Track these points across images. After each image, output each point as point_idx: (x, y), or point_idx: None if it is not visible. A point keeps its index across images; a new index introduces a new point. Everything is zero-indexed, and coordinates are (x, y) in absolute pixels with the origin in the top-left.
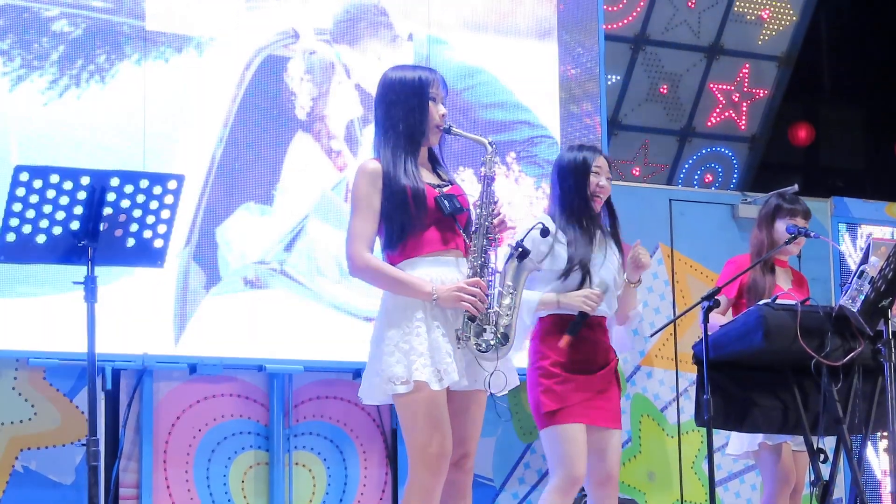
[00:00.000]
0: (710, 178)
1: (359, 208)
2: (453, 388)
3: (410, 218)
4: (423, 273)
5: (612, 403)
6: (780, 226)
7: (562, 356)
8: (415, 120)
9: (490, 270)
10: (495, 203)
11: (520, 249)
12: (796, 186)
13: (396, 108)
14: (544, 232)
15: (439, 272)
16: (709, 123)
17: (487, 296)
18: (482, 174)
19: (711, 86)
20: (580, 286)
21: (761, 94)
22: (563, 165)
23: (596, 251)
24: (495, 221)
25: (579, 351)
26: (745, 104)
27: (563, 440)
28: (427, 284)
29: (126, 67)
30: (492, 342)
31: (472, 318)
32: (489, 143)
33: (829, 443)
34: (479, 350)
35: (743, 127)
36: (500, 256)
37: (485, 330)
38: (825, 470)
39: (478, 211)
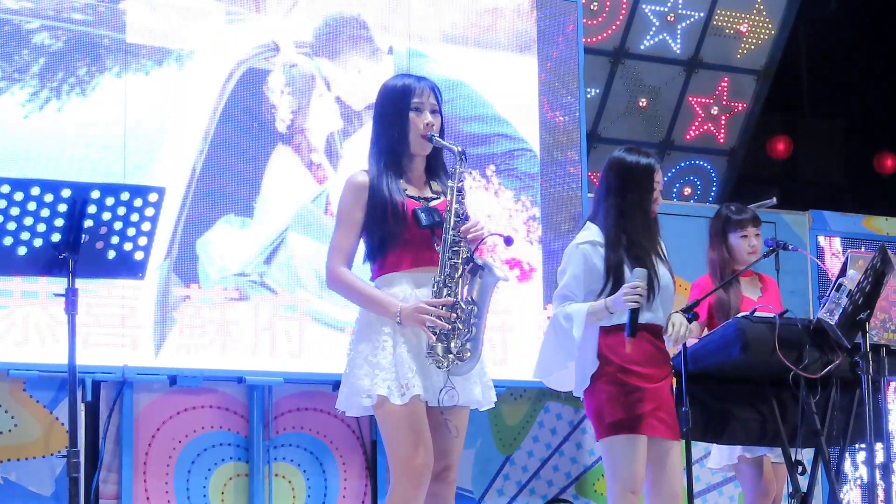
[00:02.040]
0: (689, 191)
1: (340, 222)
2: (433, 403)
3: (389, 232)
4: (400, 290)
5: (672, 416)
6: (733, 239)
7: (624, 363)
8: (394, 132)
9: (456, 285)
10: (462, 216)
11: (471, 264)
12: (774, 199)
13: (381, 120)
14: (508, 241)
15: (415, 292)
16: (687, 136)
17: (458, 311)
18: (449, 186)
19: (690, 99)
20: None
21: (740, 108)
22: (626, 167)
23: (652, 255)
24: (463, 229)
25: (644, 360)
26: (723, 117)
27: (623, 451)
28: (394, 305)
29: (107, 80)
30: (455, 358)
31: (434, 334)
32: (459, 151)
33: (807, 455)
34: (438, 367)
35: (721, 140)
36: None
37: (450, 346)
38: (803, 482)
39: (444, 225)
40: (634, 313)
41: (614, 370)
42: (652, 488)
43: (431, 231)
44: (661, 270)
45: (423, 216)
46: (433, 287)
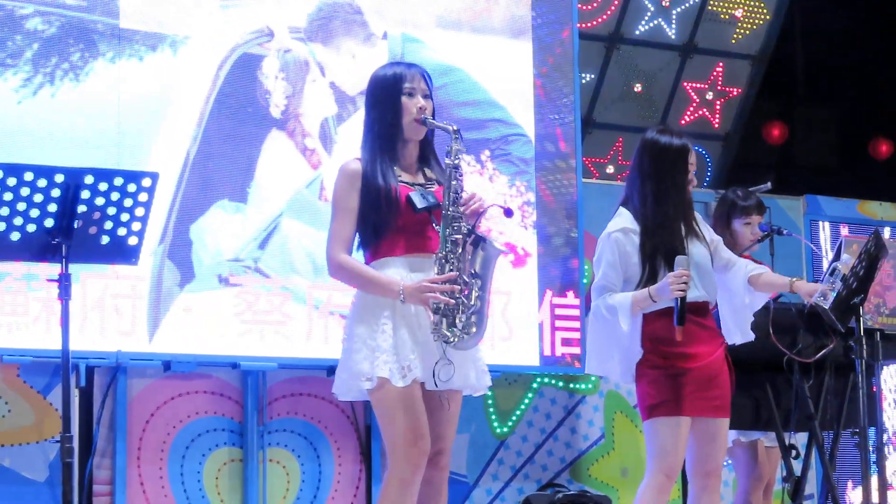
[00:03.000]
0: None
1: (337, 209)
2: (429, 386)
3: (382, 219)
4: (396, 273)
5: (722, 391)
6: (737, 225)
7: (667, 346)
8: (388, 118)
9: (458, 260)
10: (460, 192)
11: (473, 236)
12: (769, 184)
13: (374, 107)
14: (507, 212)
15: (410, 276)
16: (682, 122)
17: (461, 285)
18: (445, 164)
19: (685, 84)
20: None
21: (735, 93)
22: (660, 148)
23: (689, 238)
24: (466, 211)
25: (688, 340)
26: (718, 102)
27: (664, 434)
28: (396, 284)
29: (100, 65)
30: (462, 332)
31: (436, 311)
32: (453, 130)
33: (801, 439)
34: (446, 342)
35: (716, 125)
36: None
37: (455, 321)
38: (797, 466)
39: (443, 202)
40: (682, 302)
41: (657, 355)
42: (694, 463)
43: (429, 213)
44: (699, 249)
45: (417, 200)
46: (435, 264)
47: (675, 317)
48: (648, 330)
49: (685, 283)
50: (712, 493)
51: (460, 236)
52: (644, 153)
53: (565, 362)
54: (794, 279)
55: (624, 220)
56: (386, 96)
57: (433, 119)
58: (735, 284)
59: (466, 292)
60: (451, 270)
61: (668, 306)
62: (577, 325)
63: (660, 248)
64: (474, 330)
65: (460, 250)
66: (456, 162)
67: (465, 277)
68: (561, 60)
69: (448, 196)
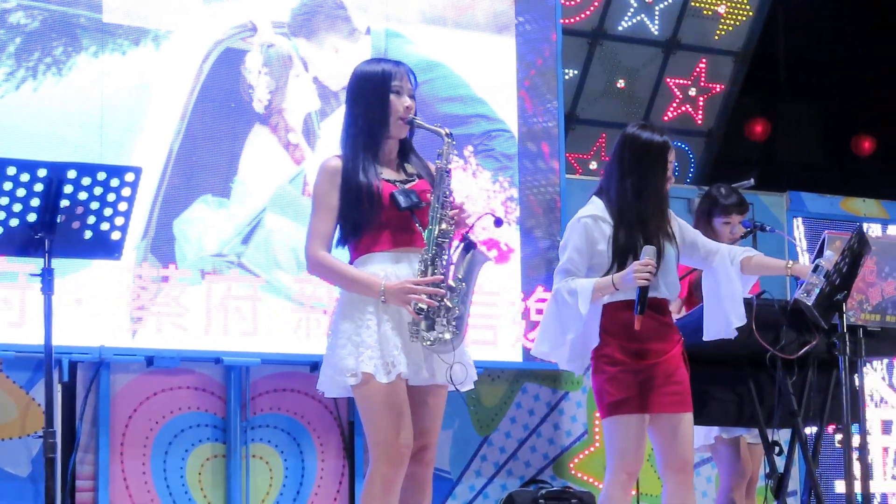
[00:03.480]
0: None
1: (317, 206)
2: (413, 382)
3: (364, 215)
4: (378, 269)
5: (681, 387)
6: (717, 224)
7: (626, 342)
8: (375, 115)
9: (444, 263)
10: (449, 196)
11: (465, 241)
12: (752, 180)
13: (358, 103)
14: (498, 222)
15: (394, 269)
16: (665, 118)
17: (446, 289)
18: (437, 166)
19: (668, 80)
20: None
21: (718, 89)
22: (640, 144)
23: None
24: (451, 214)
25: (643, 337)
26: (701, 99)
27: (622, 432)
28: (377, 284)
29: (83, 60)
30: (441, 336)
31: (419, 311)
32: (446, 133)
33: (784, 435)
34: (428, 345)
35: (699, 121)
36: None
37: (435, 324)
38: (780, 462)
39: (432, 204)
40: (644, 291)
41: (615, 349)
42: (664, 460)
43: (411, 212)
44: (668, 248)
45: (401, 199)
46: (420, 265)
47: (636, 305)
48: (607, 321)
49: (650, 272)
50: (684, 486)
51: (447, 240)
52: (625, 148)
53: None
54: (790, 262)
55: (595, 208)
56: (374, 93)
57: (419, 119)
58: (723, 270)
59: (449, 296)
60: (436, 273)
61: (631, 299)
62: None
63: (633, 243)
64: (454, 334)
65: (446, 254)
66: (448, 166)
67: (450, 282)
68: (544, 56)
69: (438, 198)
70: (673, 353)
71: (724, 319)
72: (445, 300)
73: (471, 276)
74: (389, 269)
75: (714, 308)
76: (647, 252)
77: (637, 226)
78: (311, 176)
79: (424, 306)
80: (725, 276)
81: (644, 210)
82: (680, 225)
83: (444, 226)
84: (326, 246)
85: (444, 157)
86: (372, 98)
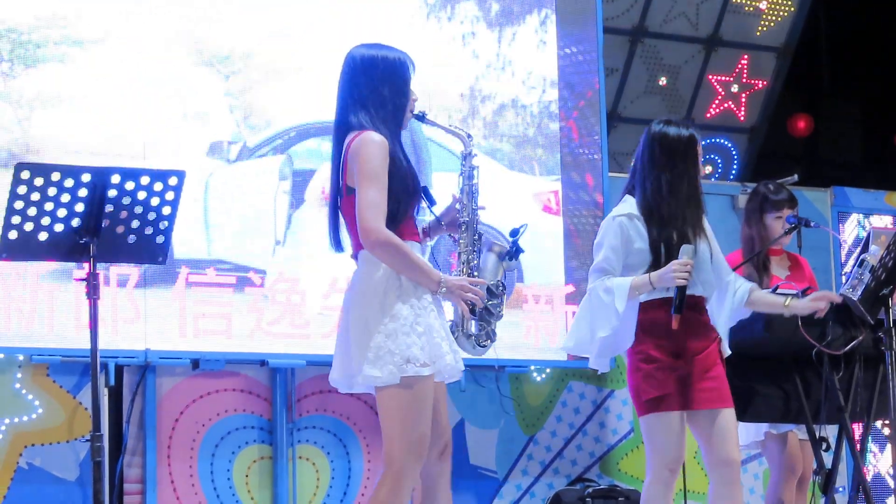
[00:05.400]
0: (710, 169)
1: (374, 179)
2: (439, 378)
3: (407, 201)
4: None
5: (719, 382)
6: (769, 219)
7: (662, 340)
8: (401, 102)
9: (476, 266)
10: (478, 197)
11: (515, 248)
12: (796, 176)
13: (384, 86)
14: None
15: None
16: (708, 115)
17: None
18: (462, 167)
19: (710, 77)
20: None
21: (760, 85)
22: (670, 140)
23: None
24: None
25: (679, 334)
26: (743, 95)
27: (661, 429)
28: (436, 274)
29: None
30: (480, 338)
31: (472, 311)
32: (467, 135)
33: (831, 431)
34: (480, 345)
35: (742, 118)
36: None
37: (484, 328)
38: (827, 458)
39: (464, 206)
40: (682, 290)
41: (650, 347)
42: (707, 457)
43: (429, 209)
44: (702, 246)
45: (430, 195)
46: (461, 267)
47: (674, 305)
48: (643, 319)
49: (688, 272)
50: (730, 484)
51: (479, 243)
52: (653, 145)
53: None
54: (788, 300)
55: (629, 207)
56: (399, 79)
57: (429, 117)
58: (725, 300)
59: (495, 301)
60: (473, 276)
61: (667, 297)
62: None
63: (669, 239)
64: (494, 339)
65: (476, 258)
66: (473, 167)
67: (494, 288)
68: (585, 54)
69: (473, 201)
70: (710, 350)
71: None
72: (490, 306)
73: (504, 281)
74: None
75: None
76: (686, 251)
77: (672, 222)
78: None
79: (478, 308)
80: (723, 305)
81: (679, 205)
82: (707, 234)
83: (474, 227)
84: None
85: (469, 159)
86: (398, 84)
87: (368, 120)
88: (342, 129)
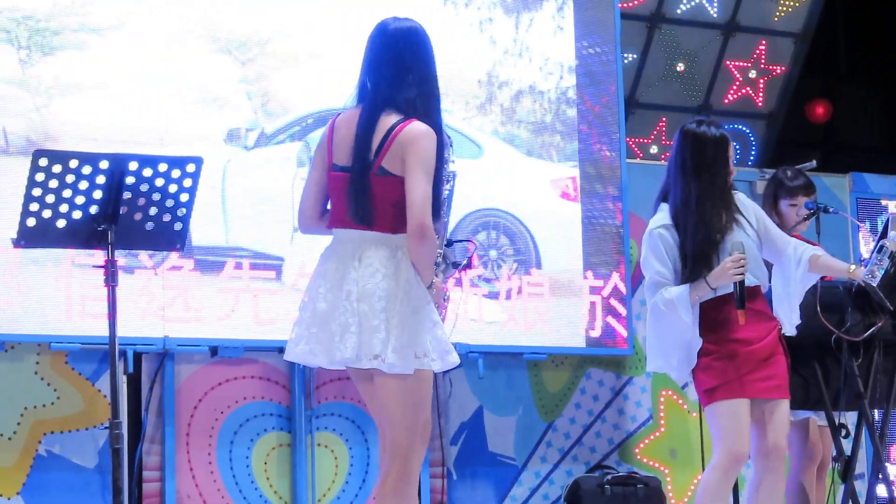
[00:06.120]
0: None
1: (427, 172)
2: None
3: (438, 199)
4: None
5: (778, 372)
6: (783, 206)
7: (718, 334)
8: (437, 93)
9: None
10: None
11: (467, 262)
12: (814, 162)
13: (431, 70)
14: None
15: None
16: (726, 100)
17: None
18: (448, 170)
19: (728, 63)
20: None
21: (778, 71)
22: (701, 143)
23: (731, 230)
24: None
25: (736, 327)
26: (761, 81)
27: (723, 416)
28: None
29: None
30: None
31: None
32: (448, 140)
33: (850, 418)
34: None
35: (760, 104)
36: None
37: None
38: (847, 445)
39: (447, 211)
40: (741, 285)
41: (706, 340)
42: (756, 445)
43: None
44: (744, 237)
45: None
46: (438, 271)
47: (737, 301)
48: (703, 319)
49: (742, 265)
50: (774, 472)
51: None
52: (685, 147)
53: (611, 344)
54: (853, 266)
55: (665, 217)
56: (434, 66)
57: None
58: (789, 271)
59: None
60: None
61: (719, 295)
62: (623, 306)
63: (701, 245)
64: None
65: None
66: (453, 172)
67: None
68: (602, 40)
69: (446, 204)
70: (768, 339)
71: (784, 320)
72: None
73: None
74: None
75: (777, 306)
76: (736, 247)
77: (700, 229)
78: None
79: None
80: (789, 278)
81: (709, 209)
82: (757, 215)
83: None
84: None
85: (450, 159)
86: (434, 74)
87: (425, 106)
88: (381, 104)
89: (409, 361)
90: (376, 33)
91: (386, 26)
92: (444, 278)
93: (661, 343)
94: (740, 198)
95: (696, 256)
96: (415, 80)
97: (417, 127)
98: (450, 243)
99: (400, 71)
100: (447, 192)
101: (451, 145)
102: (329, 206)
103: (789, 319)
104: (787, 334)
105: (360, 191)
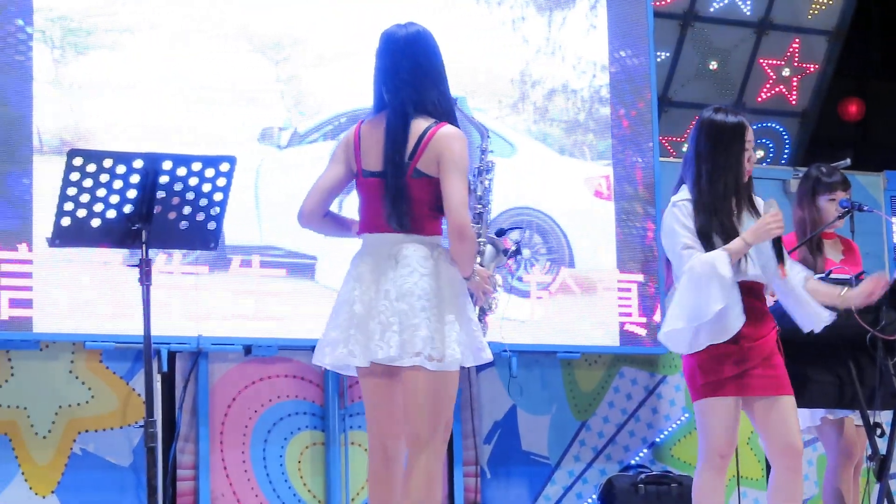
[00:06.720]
0: (762, 154)
1: (463, 175)
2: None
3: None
4: None
5: (777, 370)
6: (822, 202)
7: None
8: (450, 91)
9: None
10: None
11: (517, 248)
12: (849, 161)
13: (444, 76)
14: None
15: None
16: (759, 99)
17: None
18: (481, 161)
19: (761, 61)
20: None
21: (811, 69)
22: (715, 128)
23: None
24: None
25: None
26: (795, 79)
27: (714, 414)
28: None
29: None
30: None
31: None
32: (486, 130)
33: (885, 417)
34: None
35: (794, 102)
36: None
37: (479, 316)
38: (882, 444)
39: (480, 201)
40: (779, 241)
41: None
42: (768, 446)
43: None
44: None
45: None
46: (485, 260)
47: (778, 257)
48: None
49: (780, 219)
50: (790, 472)
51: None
52: (700, 133)
53: (645, 342)
54: (844, 290)
55: (685, 193)
56: (442, 65)
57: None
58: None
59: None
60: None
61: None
62: (656, 304)
63: (712, 227)
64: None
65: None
66: (491, 162)
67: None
68: (636, 39)
69: (486, 196)
70: (768, 338)
71: (813, 316)
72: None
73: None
74: None
75: (798, 308)
76: (772, 205)
77: (714, 213)
78: None
79: (490, 297)
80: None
81: (720, 193)
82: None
83: (489, 221)
84: None
85: (487, 153)
86: (444, 68)
87: (446, 109)
88: (409, 108)
89: (452, 360)
90: (386, 42)
91: (394, 34)
92: (494, 267)
93: (693, 305)
94: (757, 200)
95: (700, 234)
96: (433, 83)
97: (450, 130)
98: (501, 232)
99: (419, 75)
100: (487, 182)
101: (488, 136)
102: (333, 209)
103: (811, 321)
104: (815, 331)
105: (398, 194)
